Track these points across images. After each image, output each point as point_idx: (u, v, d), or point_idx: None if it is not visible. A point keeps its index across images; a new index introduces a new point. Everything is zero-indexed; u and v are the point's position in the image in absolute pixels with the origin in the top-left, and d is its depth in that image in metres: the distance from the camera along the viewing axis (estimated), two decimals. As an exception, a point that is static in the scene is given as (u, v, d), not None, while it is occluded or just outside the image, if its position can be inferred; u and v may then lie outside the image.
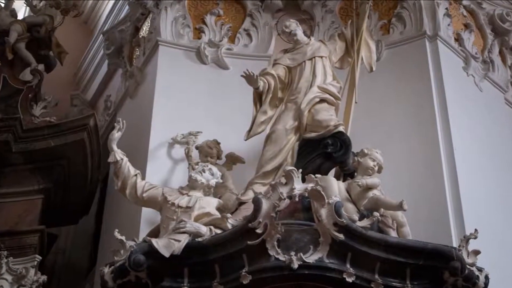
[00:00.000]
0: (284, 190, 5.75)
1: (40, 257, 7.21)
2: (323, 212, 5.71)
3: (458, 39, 8.14)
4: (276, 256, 5.69)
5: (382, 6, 8.29)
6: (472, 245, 5.97)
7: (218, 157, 7.19)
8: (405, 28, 8.03)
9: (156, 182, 6.85)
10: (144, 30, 8.85)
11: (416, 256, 5.79)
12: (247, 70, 6.94)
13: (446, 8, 8.10)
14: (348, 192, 6.38)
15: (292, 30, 7.32)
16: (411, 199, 6.24)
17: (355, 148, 6.60)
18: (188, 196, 6.46)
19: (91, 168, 7.95)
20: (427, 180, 6.95)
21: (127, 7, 9.39)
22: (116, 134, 6.82)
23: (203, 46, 8.22)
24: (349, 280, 5.66)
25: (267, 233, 5.71)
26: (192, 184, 6.55)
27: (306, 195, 5.78)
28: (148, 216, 6.94)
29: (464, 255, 5.85)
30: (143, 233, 6.67)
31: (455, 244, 6.24)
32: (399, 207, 6.06)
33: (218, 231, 6.09)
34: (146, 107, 7.87)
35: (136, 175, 6.70)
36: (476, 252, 5.94)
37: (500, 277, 6.27)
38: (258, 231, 5.72)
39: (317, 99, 6.84)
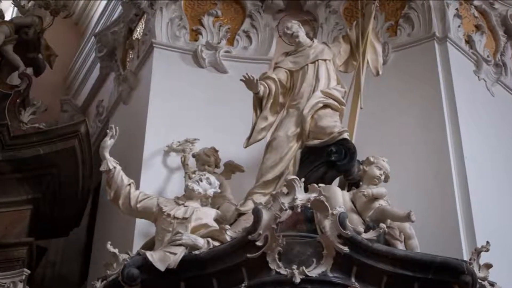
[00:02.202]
0: (285, 200, 5.77)
1: (29, 271, 7.24)
2: (327, 223, 5.73)
3: (469, 41, 8.17)
4: (277, 270, 5.70)
5: (389, 7, 8.32)
6: (484, 258, 5.99)
7: (216, 166, 7.21)
8: (413, 29, 8.06)
9: (151, 192, 6.86)
10: (138, 32, 8.88)
11: (424, 270, 5.80)
12: (247, 74, 6.95)
13: (456, 9, 8.12)
14: (353, 202, 6.40)
15: (294, 31, 7.33)
16: (419, 210, 6.25)
17: (360, 156, 6.62)
18: (185, 206, 6.46)
19: (82, 177, 7.97)
20: (436, 190, 6.97)
21: (120, 7, 9.41)
22: (109, 142, 6.81)
23: (201, 48, 8.24)
24: (354, 295, 5.70)
25: (267, 245, 5.73)
26: (188, 194, 6.56)
27: (309, 205, 5.79)
28: (142, 227, 6.96)
29: (475, 269, 5.87)
30: (137, 245, 6.70)
31: (465, 257, 6.25)
32: (407, 218, 6.08)
33: (216, 244, 6.10)
34: (140, 113, 7.89)
35: (129, 184, 6.70)
36: (488, 266, 5.97)
37: (513, 292, 6.31)
38: (258, 243, 5.74)
39: (321, 105, 6.86)
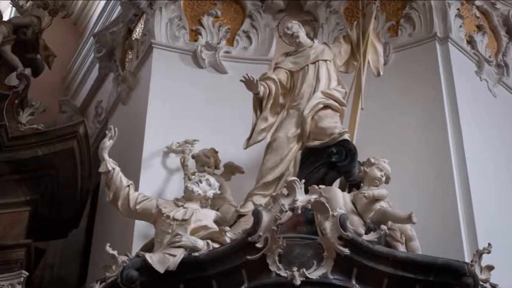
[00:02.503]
0: (286, 202, 5.77)
1: (27, 273, 7.23)
2: (327, 225, 5.73)
3: (471, 41, 8.16)
4: (277, 272, 5.70)
5: (390, 7, 8.32)
6: (486, 260, 5.98)
7: (216, 167, 7.21)
8: (414, 29, 8.06)
9: (150, 193, 6.86)
10: (137, 32, 8.88)
11: (426, 272, 5.80)
12: (247, 74, 6.95)
13: (458, 9, 8.12)
14: (353, 204, 6.39)
15: (295, 32, 7.33)
16: (420, 211, 6.25)
17: (361, 157, 6.62)
18: (184, 208, 6.46)
19: (81, 178, 7.96)
20: (438, 191, 6.97)
21: (119, 7, 9.41)
22: (108, 143, 6.81)
23: (200, 49, 8.24)
24: (355, 297, 5.69)
25: (267, 247, 5.72)
26: (188, 196, 6.56)
27: (309, 207, 5.79)
28: (141, 229, 6.95)
29: (477, 271, 5.86)
30: (136, 247, 6.69)
31: (467, 259, 6.26)
32: (408, 220, 6.07)
33: (216, 245, 6.10)
34: (140, 114, 7.89)
35: (128, 186, 6.70)
36: (490, 268, 5.96)
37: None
38: (258, 245, 5.73)
39: (321, 105, 6.86)
